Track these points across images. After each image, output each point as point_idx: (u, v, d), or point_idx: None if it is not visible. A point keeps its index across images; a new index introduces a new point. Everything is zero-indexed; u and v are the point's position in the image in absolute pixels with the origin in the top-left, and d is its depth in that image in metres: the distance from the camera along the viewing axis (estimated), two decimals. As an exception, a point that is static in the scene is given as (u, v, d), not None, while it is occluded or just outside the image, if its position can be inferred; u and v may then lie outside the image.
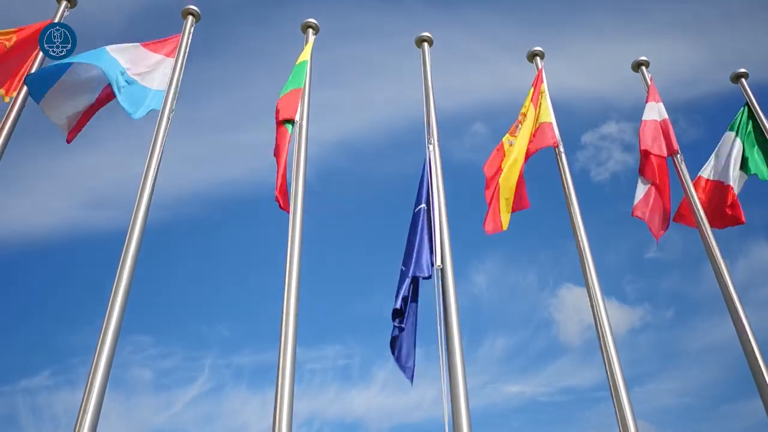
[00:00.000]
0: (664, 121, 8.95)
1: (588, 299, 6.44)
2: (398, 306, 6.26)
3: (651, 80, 9.65)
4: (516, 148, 8.16)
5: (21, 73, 7.53)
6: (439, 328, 5.78)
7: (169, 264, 20.25)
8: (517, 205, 7.83)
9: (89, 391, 4.67)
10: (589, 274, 6.60)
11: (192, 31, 8.45)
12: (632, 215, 8.60)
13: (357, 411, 19.01)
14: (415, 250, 6.65)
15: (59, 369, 18.43)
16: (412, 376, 6.47)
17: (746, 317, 6.87)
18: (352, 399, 19.56)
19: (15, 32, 7.90)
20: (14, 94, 7.25)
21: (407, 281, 6.36)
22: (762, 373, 6.40)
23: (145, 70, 7.94)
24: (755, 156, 9.12)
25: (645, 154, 8.68)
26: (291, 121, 7.50)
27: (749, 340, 6.67)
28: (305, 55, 8.38)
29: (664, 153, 8.67)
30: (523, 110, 8.62)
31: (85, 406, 4.59)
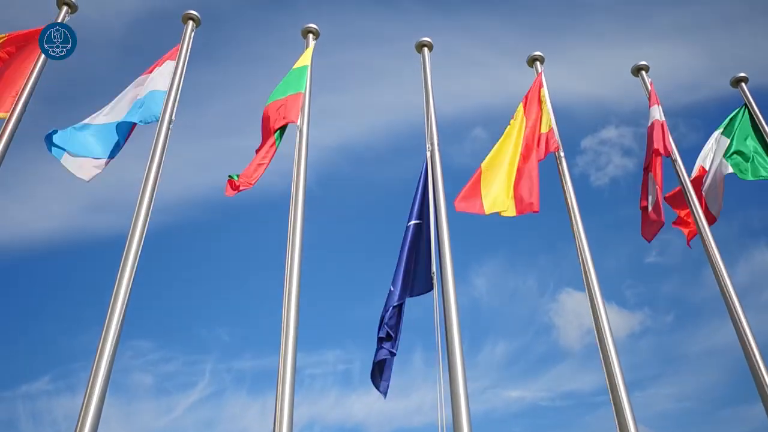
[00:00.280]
0: (663, 123, 8.97)
1: (588, 304, 6.44)
2: (383, 335, 6.35)
3: (651, 84, 9.66)
4: (505, 144, 8.23)
5: (18, 86, 7.49)
6: (437, 333, 5.77)
7: (169, 268, 20.27)
8: (523, 208, 7.77)
9: (89, 396, 4.66)
10: (589, 279, 6.59)
11: (192, 36, 8.47)
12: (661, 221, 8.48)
13: (357, 416, 18.98)
14: (403, 270, 6.71)
15: (59, 374, 18.44)
16: (387, 390, 6.60)
17: (747, 321, 6.86)
18: (352, 404, 19.54)
19: (6, 37, 7.87)
20: (11, 109, 7.24)
21: (392, 309, 6.43)
22: (762, 376, 6.38)
23: (149, 82, 7.97)
24: (756, 159, 9.10)
25: (656, 153, 8.68)
26: (282, 130, 7.56)
27: (750, 344, 6.66)
28: (305, 59, 8.40)
29: (665, 153, 8.69)
30: (516, 114, 8.65)
31: (85, 411, 4.59)
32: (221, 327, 20.36)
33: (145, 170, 6.48)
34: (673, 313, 21.10)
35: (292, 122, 7.50)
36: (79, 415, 4.57)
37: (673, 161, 8.68)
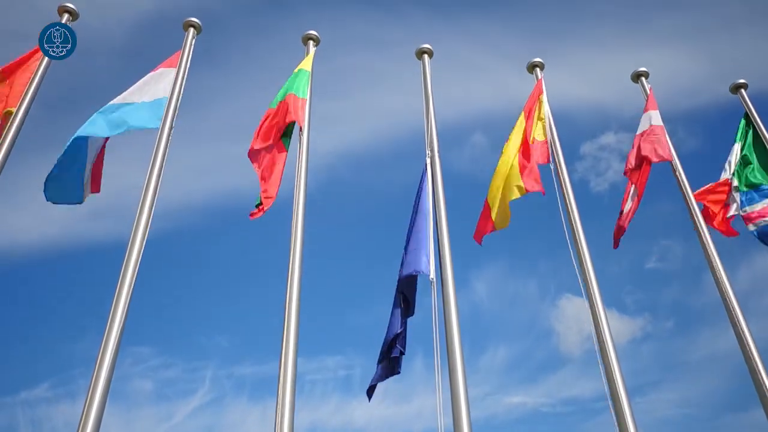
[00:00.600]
0: (660, 127, 8.98)
1: (589, 309, 6.43)
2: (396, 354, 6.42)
3: (651, 90, 9.68)
4: (504, 158, 8.30)
5: (19, 92, 7.50)
6: (436, 338, 5.76)
7: (169, 274, 20.26)
8: (530, 186, 7.92)
9: (89, 403, 4.65)
10: (590, 285, 6.58)
11: (193, 43, 8.49)
12: (624, 228, 8.61)
13: (358, 422, 18.95)
14: (409, 254, 6.77)
15: (59, 381, 18.42)
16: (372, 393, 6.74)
17: (747, 326, 6.85)
18: (353, 410, 19.50)
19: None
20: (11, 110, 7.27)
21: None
22: (763, 382, 6.37)
23: (148, 88, 7.98)
24: (755, 166, 9.12)
25: (647, 161, 8.69)
26: (288, 134, 7.58)
27: (750, 350, 6.65)
28: (306, 65, 8.42)
29: (655, 159, 8.69)
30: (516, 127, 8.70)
31: (86, 417, 4.58)
32: (222, 333, 20.36)
33: (146, 176, 6.49)
34: (673, 319, 21.09)
35: (297, 121, 7.53)
36: (80, 422, 4.56)
37: (673, 167, 8.68)
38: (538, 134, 8.40)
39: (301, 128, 7.52)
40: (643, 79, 9.98)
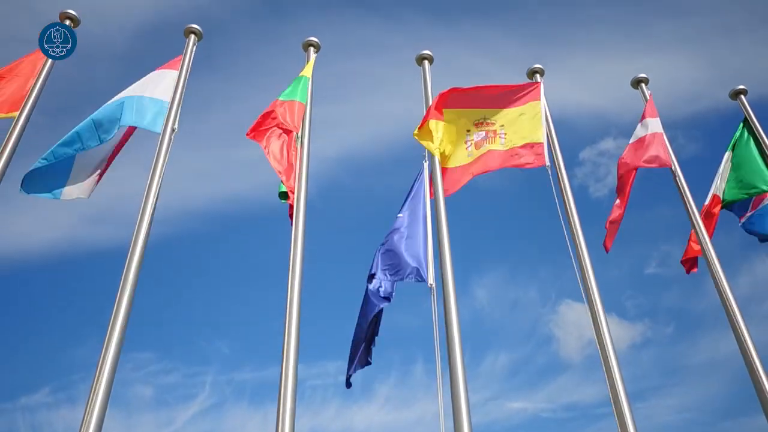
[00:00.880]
0: (660, 134, 8.98)
1: (589, 315, 6.43)
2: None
3: (650, 96, 9.69)
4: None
5: (20, 97, 7.51)
6: (437, 344, 5.77)
7: (170, 279, 20.26)
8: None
9: (90, 408, 4.65)
10: (590, 290, 6.58)
11: (194, 49, 8.52)
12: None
13: (358, 427, 18.93)
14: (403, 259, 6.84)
15: (60, 386, 18.39)
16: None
17: (748, 332, 6.85)
18: (353, 415, 19.48)
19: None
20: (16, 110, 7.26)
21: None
22: (764, 387, 6.37)
23: (150, 86, 7.99)
24: (755, 172, 9.12)
25: (634, 169, 8.78)
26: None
27: (751, 355, 6.65)
28: (307, 72, 8.45)
29: (654, 165, 8.73)
30: (495, 124, 8.69)
31: (87, 423, 4.57)
32: (222, 338, 20.35)
33: (147, 181, 6.50)
34: (673, 324, 21.08)
35: (294, 131, 7.52)
36: (81, 428, 4.56)
37: (674, 173, 8.69)
38: (534, 138, 8.35)
39: (297, 134, 7.51)
40: (643, 85, 9.99)
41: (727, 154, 9.52)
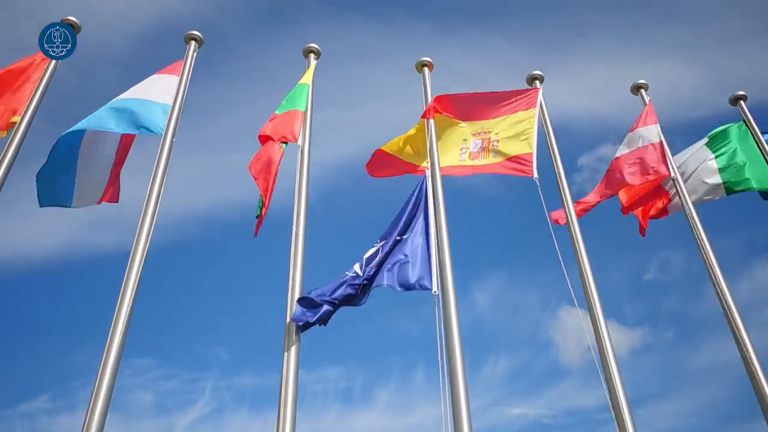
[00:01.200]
0: (660, 143, 8.99)
1: (590, 321, 6.43)
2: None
3: (650, 102, 9.70)
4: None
5: (20, 104, 7.52)
6: (439, 350, 5.75)
7: (170, 285, 20.25)
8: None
9: (90, 415, 4.64)
10: (590, 296, 6.58)
11: (195, 56, 8.54)
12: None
13: (359, 433, 18.87)
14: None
15: (59, 392, 18.35)
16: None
17: (749, 337, 6.84)
18: (353, 421, 19.43)
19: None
20: (13, 124, 7.28)
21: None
22: (765, 393, 6.36)
23: (150, 90, 8.00)
24: (757, 173, 9.11)
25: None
26: (286, 142, 7.60)
27: (752, 361, 6.64)
28: (307, 79, 8.47)
29: (657, 175, 8.74)
30: (491, 132, 8.73)
31: (86, 430, 4.56)
32: (222, 344, 20.31)
33: (148, 187, 6.51)
34: (673, 330, 21.05)
35: (292, 141, 7.52)
36: (80, 434, 4.56)
37: (674, 180, 8.70)
38: (525, 149, 8.33)
39: (296, 141, 7.51)
40: (643, 91, 10.02)
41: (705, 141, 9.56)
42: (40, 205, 7.47)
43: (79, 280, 20.91)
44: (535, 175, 7.92)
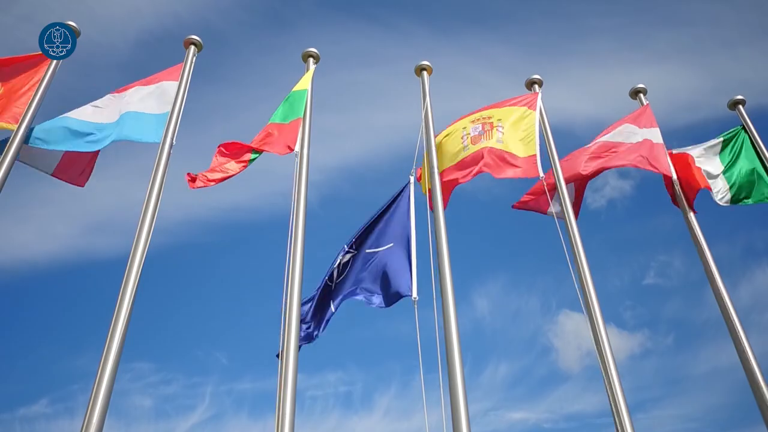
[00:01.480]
0: (660, 145, 8.98)
1: (589, 326, 6.41)
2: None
3: (648, 107, 9.71)
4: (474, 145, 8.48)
5: (20, 105, 7.53)
6: (439, 354, 5.75)
7: (169, 289, 20.23)
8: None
9: (88, 419, 4.63)
10: (590, 301, 6.57)
11: (194, 60, 8.54)
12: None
13: (359, 438, 18.83)
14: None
15: (58, 396, 18.32)
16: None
17: (748, 342, 6.83)
18: (353, 426, 19.39)
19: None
20: (16, 121, 7.28)
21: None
22: (765, 398, 6.35)
23: (149, 102, 8.01)
24: (755, 181, 9.10)
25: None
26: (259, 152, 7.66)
27: (752, 365, 6.63)
28: (305, 83, 8.45)
29: (657, 170, 8.73)
30: (492, 118, 8.76)
31: (85, 434, 4.56)
32: (222, 348, 20.28)
33: (147, 191, 6.50)
34: (672, 335, 21.03)
35: (287, 152, 7.52)
36: (78, 438, 4.54)
37: (674, 183, 8.70)
38: (529, 151, 8.38)
39: (291, 149, 7.51)
40: (641, 95, 10.03)
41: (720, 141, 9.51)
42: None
43: (78, 284, 20.91)
44: (541, 174, 7.98)
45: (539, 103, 9.01)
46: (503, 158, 8.33)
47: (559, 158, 8.38)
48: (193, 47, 8.66)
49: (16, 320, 19.34)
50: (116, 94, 8.08)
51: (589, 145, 9.28)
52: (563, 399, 19.76)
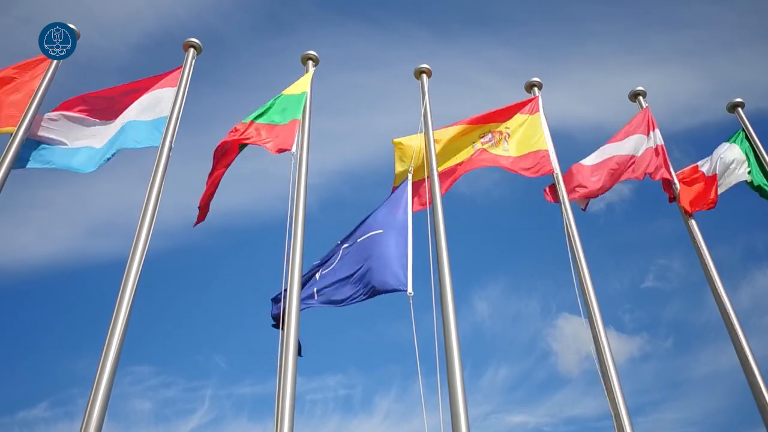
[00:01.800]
0: (661, 146, 9.01)
1: (589, 329, 6.40)
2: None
3: (647, 109, 9.71)
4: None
5: (13, 109, 7.52)
6: (438, 357, 5.73)
7: (168, 292, 20.20)
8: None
9: (87, 423, 4.62)
10: (590, 304, 6.56)
11: (193, 63, 8.54)
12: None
13: (359, 442, 18.79)
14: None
15: (58, 400, 18.27)
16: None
17: (748, 344, 6.83)
18: (353, 430, 19.36)
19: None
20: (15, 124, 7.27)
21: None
22: (765, 400, 6.34)
23: (148, 110, 8.02)
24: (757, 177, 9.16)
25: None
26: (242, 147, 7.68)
27: (752, 368, 6.63)
28: (303, 86, 8.42)
29: (656, 177, 8.77)
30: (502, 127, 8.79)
31: (83, 437, 4.54)
32: (221, 352, 20.25)
33: (146, 194, 6.49)
34: (672, 338, 21.00)
35: (281, 151, 7.51)
36: (77, 442, 4.53)
37: (674, 185, 8.71)
38: (540, 145, 8.44)
39: (288, 150, 7.49)
40: (641, 98, 10.03)
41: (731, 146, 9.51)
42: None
43: (78, 287, 20.88)
44: (556, 170, 8.01)
45: (540, 104, 9.07)
46: (508, 160, 8.44)
47: (559, 160, 8.38)
48: (192, 50, 8.66)
49: (16, 322, 19.32)
50: (105, 122, 8.04)
51: (599, 162, 9.10)
52: (563, 402, 19.73)
